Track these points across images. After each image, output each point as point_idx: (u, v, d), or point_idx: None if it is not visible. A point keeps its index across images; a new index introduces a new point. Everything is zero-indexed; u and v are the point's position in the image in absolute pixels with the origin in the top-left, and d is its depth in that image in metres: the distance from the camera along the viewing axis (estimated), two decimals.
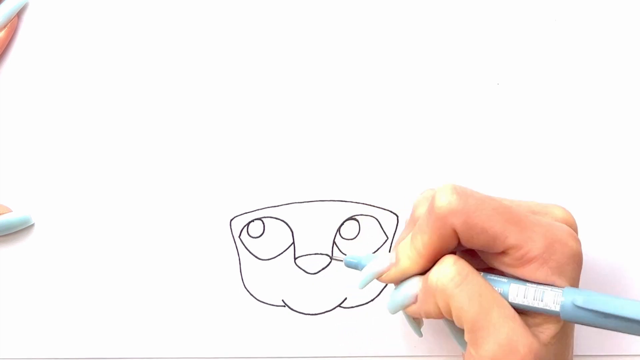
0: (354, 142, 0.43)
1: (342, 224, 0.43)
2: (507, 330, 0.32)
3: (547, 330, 0.34)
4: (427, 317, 0.35)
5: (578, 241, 0.34)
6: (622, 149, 0.43)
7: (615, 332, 0.33)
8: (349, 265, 0.38)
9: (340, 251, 0.43)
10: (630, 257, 0.43)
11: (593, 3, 0.43)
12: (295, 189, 0.43)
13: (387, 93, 0.43)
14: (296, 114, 0.43)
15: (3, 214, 0.43)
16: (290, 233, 0.43)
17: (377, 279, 0.36)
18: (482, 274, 0.35)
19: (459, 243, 0.34)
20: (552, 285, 0.33)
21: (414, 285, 0.35)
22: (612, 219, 0.43)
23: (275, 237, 0.43)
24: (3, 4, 0.43)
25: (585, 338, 0.42)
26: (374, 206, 0.43)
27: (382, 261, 0.36)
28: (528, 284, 0.33)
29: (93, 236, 0.43)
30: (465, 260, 0.34)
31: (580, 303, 0.32)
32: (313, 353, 0.43)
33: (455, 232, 0.34)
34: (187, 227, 0.43)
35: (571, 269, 0.33)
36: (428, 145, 0.43)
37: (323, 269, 0.43)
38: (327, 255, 0.43)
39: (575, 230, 0.35)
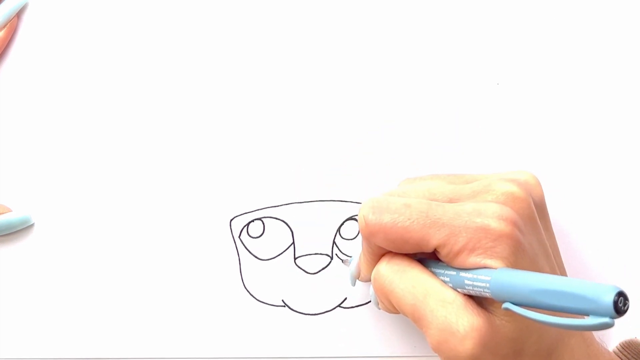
0: (354, 143, 0.43)
1: (342, 224, 0.43)
2: (444, 314, 0.33)
3: (497, 309, 0.34)
4: (392, 313, 0.37)
5: (505, 221, 0.33)
6: (621, 148, 0.43)
7: None
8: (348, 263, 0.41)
9: (340, 251, 0.43)
10: (627, 255, 0.43)
11: (593, 3, 0.43)
12: (295, 189, 0.43)
13: (387, 93, 0.43)
14: (296, 114, 0.43)
15: (3, 214, 0.43)
16: (290, 233, 0.43)
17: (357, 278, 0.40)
18: (431, 266, 0.35)
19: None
20: (485, 268, 0.33)
21: (372, 291, 0.38)
22: (612, 218, 0.43)
23: (275, 237, 0.43)
24: (3, 4, 0.43)
25: None
26: None
27: (352, 267, 0.40)
28: (462, 272, 0.33)
29: (93, 236, 0.43)
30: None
31: (503, 281, 0.32)
32: (313, 353, 0.43)
33: (380, 249, 0.36)
34: (187, 227, 0.43)
35: (501, 249, 0.33)
36: (428, 145, 0.43)
37: (323, 269, 0.43)
38: (327, 255, 0.43)
39: (533, 188, 0.36)
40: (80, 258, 0.43)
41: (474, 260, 0.33)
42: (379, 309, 0.39)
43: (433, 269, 0.35)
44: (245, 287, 0.43)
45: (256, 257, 0.43)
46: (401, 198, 0.35)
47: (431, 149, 0.43)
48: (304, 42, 0.44)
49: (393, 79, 0.43)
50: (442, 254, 0.34)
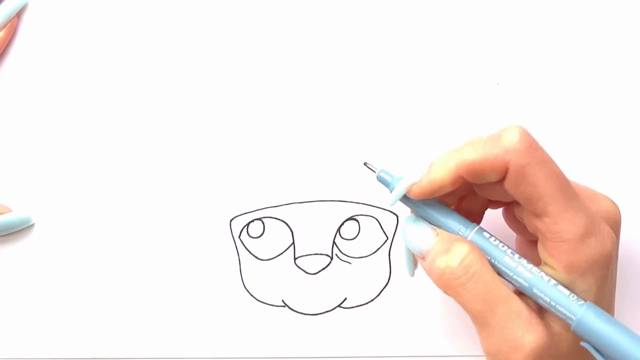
0: (354, 143, 0.43)
1: (342, 224, 0.43)
2: (513, 327, 0.32)
3: (557, 320, 0.33)
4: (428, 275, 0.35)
5: (614, 243, 0.33)
6: (622, 148, 0.43)
7: None
8: (380, 180, 0.35)
9: (340, 251, 0.43)
10: (627, 255, 0.43)
11: (593, 3, 0.43)
12: (295, 189, 0.43)
13: (387, 93, 0.43)
14: (296, 114, 0.43)
15: (3, 214, 0.43)
16: (290, 233, 0.43)
17: (407, 193, 0.34)
18: (506, 250, 0.34)
19: (497, 184, 0.33)
20: (571, 289, 0.32)
21: (426, 241, 0.34)
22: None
23: (275, 237, 0.43)
24: (3, 4, 0.43)
25: None
26: (374, 206, 0.43)
27: (414, 174, 0.34)
28: (551, 284, 0.33)
29: (93, 236, 0.43)
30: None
31: (593, 326, 0.32)
32: (313, 353, 0.43)
33: (504, 170, 0.33)
34: (187, 227, 0.43)
35: (598, 267, 0.32)
36: (428, 145, 0.43)
37: (323, 269, 0.43)
38: (327, 255, 0.43)
39: (617, 225, 0.35)
40: (80, 258, 0.43)
41: (566, 259, 0.32)
42: (411, 275, 0.36)
43: (501, 264, 0.34)
44: (245, 287, 0.43)
45: (256, 257, 0.43)
46: None
47: (431, 149, 0.43)
48: (304, 42, 0.44)
49: (393, 79, 0.43)
50: (547, 226, 0.32)
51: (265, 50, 0.44)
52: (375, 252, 0.43)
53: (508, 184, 0.33)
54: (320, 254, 0.43)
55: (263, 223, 0.43)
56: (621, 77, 0.43)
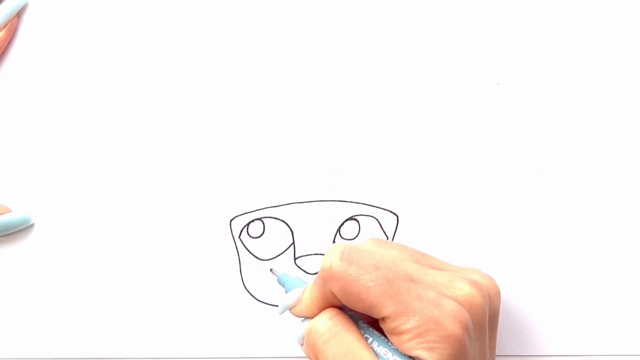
0: (354, 142, 0.43)
1: (342, 224, 0.43)
2: None
3: None
4: None
5: (459, 323, 0.34)
6: (622, 148, 0.43)
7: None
8: (280, 282, 0.39)
9: None
10: (627, 255, 0.43)
11: (593, 3, 0.43)
12: (295, 189, 0.43)
13: (387, 93, 0.43)
14: (296, 114, 0.43)
15: (3, 214, 0.43)
16: (290, 233, 0.43)
17: (289, 311, 0.38)
18: (369, 328, 0.36)
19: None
20: (417, 358, 0.33)
21: (301, 329, 0.37)
22: (612, 217, 0.43)
23: (275, 237, 0.43)
24: (3, 4, 0.43)
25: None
26: (374, 206, 0.43)
27: (291, 298, 0.38)
28: (397, 355, 0.34)
29: (93, 236, 0.43)
30: None
31: None
32: None
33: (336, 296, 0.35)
34: (187, 227, 0.43)
35: (443, 348, 0.33)
36: (428, 145, 0.43)
37: None
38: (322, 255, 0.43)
39: (478, 307, 0.35)
40: (80, 258, 0.43)
41: (412, 345, 0.33)
42: (300, 344, 0.38)
43: (366, 331, 0.36)
44: (245, 287, 0.43)
45: (256, 257, 0.43)
46: (371, 257, 0.35)
47: (431, 149, 0.43)
48: (304, 42, 0.44)
49: (393, 79, 0.43)
50: (388, 325, 0.34)
51: (266, 51, 0.44)
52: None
53: (344, 304, 0.35)
54: (320, 254, 0.43)
55: (263, 223, 0.43)
56: (621, 77, 0.43)
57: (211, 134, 0.43)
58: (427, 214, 0.43)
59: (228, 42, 0.44)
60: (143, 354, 0.43)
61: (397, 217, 0.43)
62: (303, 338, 0.36)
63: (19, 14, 0.44)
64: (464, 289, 0.35)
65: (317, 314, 0.36)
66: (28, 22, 0.44)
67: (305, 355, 0.39)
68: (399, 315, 0.34)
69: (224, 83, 0.44)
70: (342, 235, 0.43)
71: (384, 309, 0.34)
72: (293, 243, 0.43)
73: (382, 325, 0.35)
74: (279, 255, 0.43)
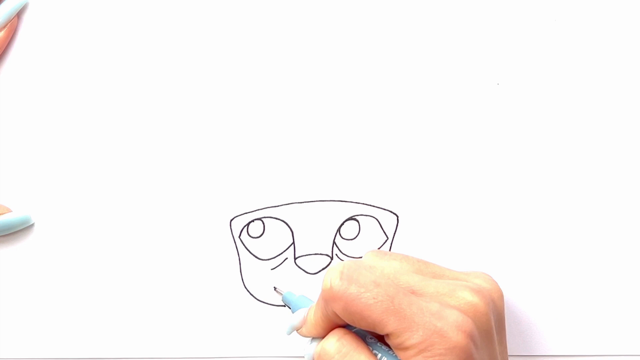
0: (354, 142, 0.43)
1: (342, 224, 0.43)
2: None
3: None
4: None
5: (463, 333, 0.34)
6: (622, 148, 0.43)
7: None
8: (285, 302, 0.40)
9: (340, 251, 0.43)
10: (627, 255, 0.43)
11: (593, 3, 0.43)
12: (295, 189, 0.43)
13: (387, 93, 0.43)
14: (296, 114, 0.43)
15: (3, 214, 0.43)
16: (290, 233, 0.43)
17: (297, 331, 0.38)
18: (377, 344, 0.36)
19: None
20: None
21: (310, 350, 0.37)
22: (612, 217, 0.43)
23: (275, 237, 0.43)
24: (3, 4, 0.43)
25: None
26: (374, 206, 0.43)
27: (297, 319, 0.38)
28: None
29: (93, 236, 0.43)
30: None
31: None
32: None
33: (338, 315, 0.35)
34: (187, 227, 0.43)
35: (451, 357, 0.33)
36: (428, 145, 0.43)
37: (323, 269, 0.43)
38: (327, 255, 0.43)
39: (481, 313, 0.36)
40: (80, 258, 0.43)
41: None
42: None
43: (374, 347, 0.36)
44: (245, 287, 0.43)
45: (256, 257, 0.43)
46: (371, 274, 0.35)
47: (431, 149, 0.43)
48: (305, 42, 0.44)
49: (393, 79, 0.43)
50: (393, 342, 0.34)
51: (266, 51, 0.44)
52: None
53: (348, 322, 0.35)
54: (320, 254, 0.43)
55: (263, 223, 0.43)
56: (621, 77, 0.43)
57: (211, 134, 0.43)
58: (427, 214, 0.43)
59: (228, 42, 0.44)
60: (143, 354, 0.43)
61: (397, 217, 0.43)
62: (313, 359, 0.37)
63: (19, 14, 0.44)
64: (466, 297, 0.36)
65: (324, 334, 0.37)
66: (28, 22, 0.44)
67: (301, 356, 0.39)
68: (403, 331, 0.34)
69: (224, 83, 0.44)
70: (342, 235, 0.43)
71: (387, 325, 0.34)
72: (293, 243, 0.43)
73: (388, 341, 0.35)
74: (279, 255, 0.43)
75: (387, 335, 0.34)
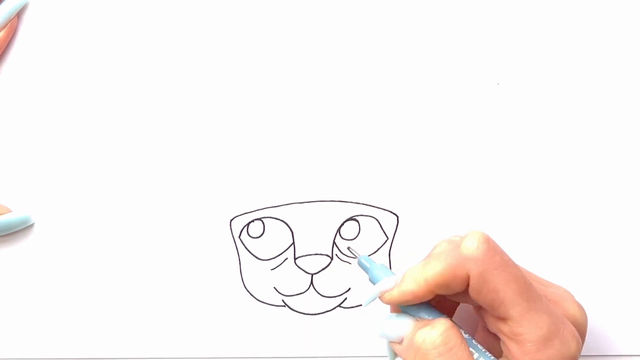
0: (354, 142, 0.43)
1: (342, 224, 0.43)
2: None
3: None
4: None
5: (578, 345, 0.33)
6: (621, 148, 0.43)
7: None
8: (360, 266, 0.38)
9: (340, 251, 0.43)
10: (627, 255, 0.43)
11: (593, 3, 0.43)
12: (295, 189, 0.43)
13: (387, 93, 0.43)
14: (296, 114, 0.43)
15: (3, 214, 0.43)
16: (290, 233, 0.43)
17: (379, 297, 0.36)
18: (472, 341, 0.35)
19: (466, 292, 0.34)
20: None
21: (405, 327, 0.35)
22: (612, 217, 0.43)
23: (275, 237, 0.43)
24: (3, 4, 0.43)
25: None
26: (374, 206, 0.43)
27: (388, 282, 0.36)
28: None
29: (93, 236, 0.43)
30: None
31: None
32: (313, 353, 0.43)
33: (467, 279, 0.34)
34: (187, 227, 0.43)
35: None
36: (428, 146, 0.43)
37: (323, 269, 0.43)
38: (327, 255, 0.43)
39: (583, 328, 0.35)
40: (80, 258, 0.43)
41: (532, 358, 0.33)
42: (391, 341, 0.36)
43: (470, 344, 0.34)
44: (245, 287, 0.43)
45: (256, 257, 0.43)
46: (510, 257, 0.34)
47: (431, 149, 0.43)
48: (305, 42, 0.44)
49: (393, 79, 0.43)
50: (509, 328, 0.33)
51: (266, 51, 0.44)
52: (375, 252, 0.43)
53: (471, 291, 0.34)
54: (320, 254, 0.43)
55: (263, 223, 0.43)
56: (621, 77, 0.43)
57: (211, 134, 0.43)
58: (427, 214, 0.43)
59: (228, 42, 0.44)
60: (143, 354, 0.43)
61: (397, 217, 0.43)
62: (403, 338, 0.35)
63: (19, 14, 0.44)
64: (573, 309, 0.35)
65: (416, 301, 0.35)
66: (28, 22, 0.44)
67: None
68: (528, 323, 0.33)
69: (224, 83, 0.44)
70: (342, 235, 0.43)
71: (514, 308, 0.33)
72: (293, 243, 0.43)
73: (500, 326, 0.34)
74: (279, 255, 0.43)
75: (505, 319, 0.33)
